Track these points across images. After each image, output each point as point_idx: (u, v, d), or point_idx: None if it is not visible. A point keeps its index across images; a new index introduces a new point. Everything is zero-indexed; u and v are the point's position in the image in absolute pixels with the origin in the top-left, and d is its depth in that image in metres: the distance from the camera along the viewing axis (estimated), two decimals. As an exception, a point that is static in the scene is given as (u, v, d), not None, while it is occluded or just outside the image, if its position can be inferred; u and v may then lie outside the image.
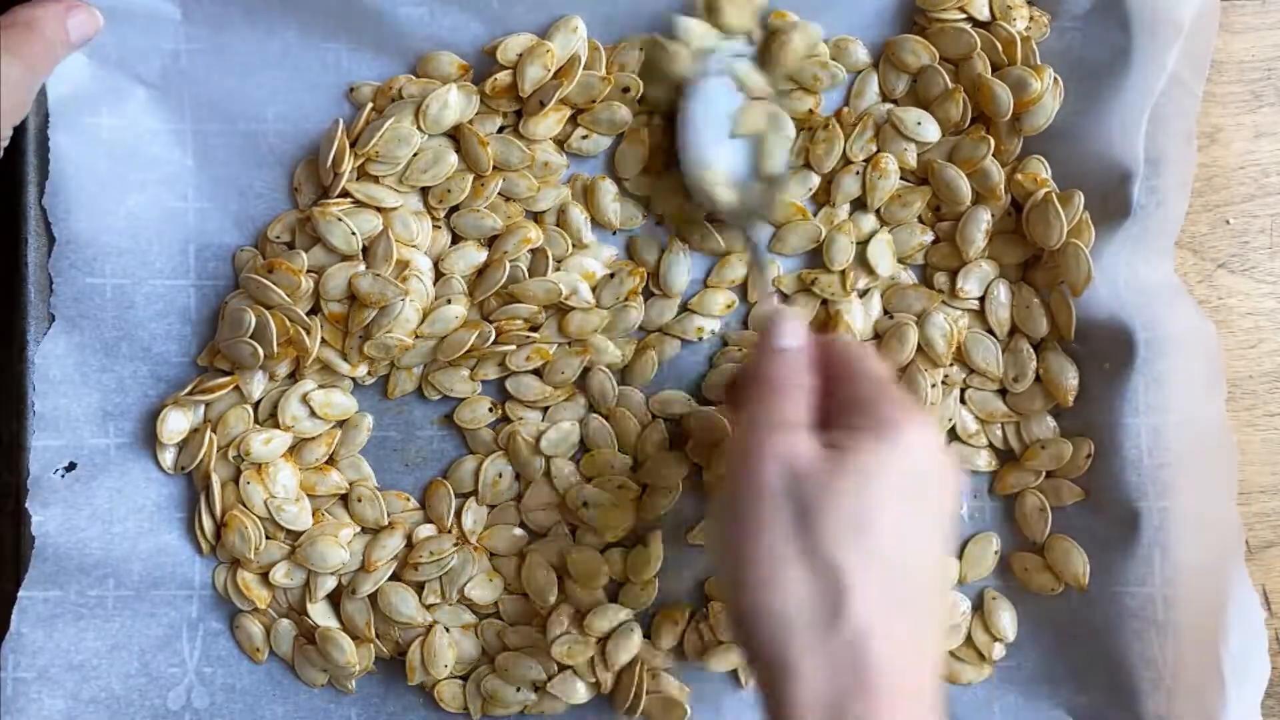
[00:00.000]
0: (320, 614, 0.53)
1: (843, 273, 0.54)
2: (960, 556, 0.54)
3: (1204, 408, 0.52)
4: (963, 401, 0.54)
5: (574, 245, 0.54)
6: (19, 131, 0.51)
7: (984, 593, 0.54)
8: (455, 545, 0.53)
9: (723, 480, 0.43)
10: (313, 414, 0.53)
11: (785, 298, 0.55)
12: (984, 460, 0.54)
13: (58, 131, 0.51)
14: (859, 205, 0.55)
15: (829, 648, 0.37)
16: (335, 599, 0.54)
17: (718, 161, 0.51)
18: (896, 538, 0.38)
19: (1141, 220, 0.52)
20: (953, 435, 0.54)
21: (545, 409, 0.54)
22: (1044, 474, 0.54)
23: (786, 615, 0.37)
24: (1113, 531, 0.52)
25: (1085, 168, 0.52)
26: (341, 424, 0.54)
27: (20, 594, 0.51)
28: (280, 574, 0.53)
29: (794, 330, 0.44)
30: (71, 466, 0.52)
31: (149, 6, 0.52)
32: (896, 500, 0.39)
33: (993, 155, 0.53)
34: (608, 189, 0.54)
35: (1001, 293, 0.54)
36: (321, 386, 0.53)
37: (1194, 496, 0.51)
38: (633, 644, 0.53)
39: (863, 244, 0.54)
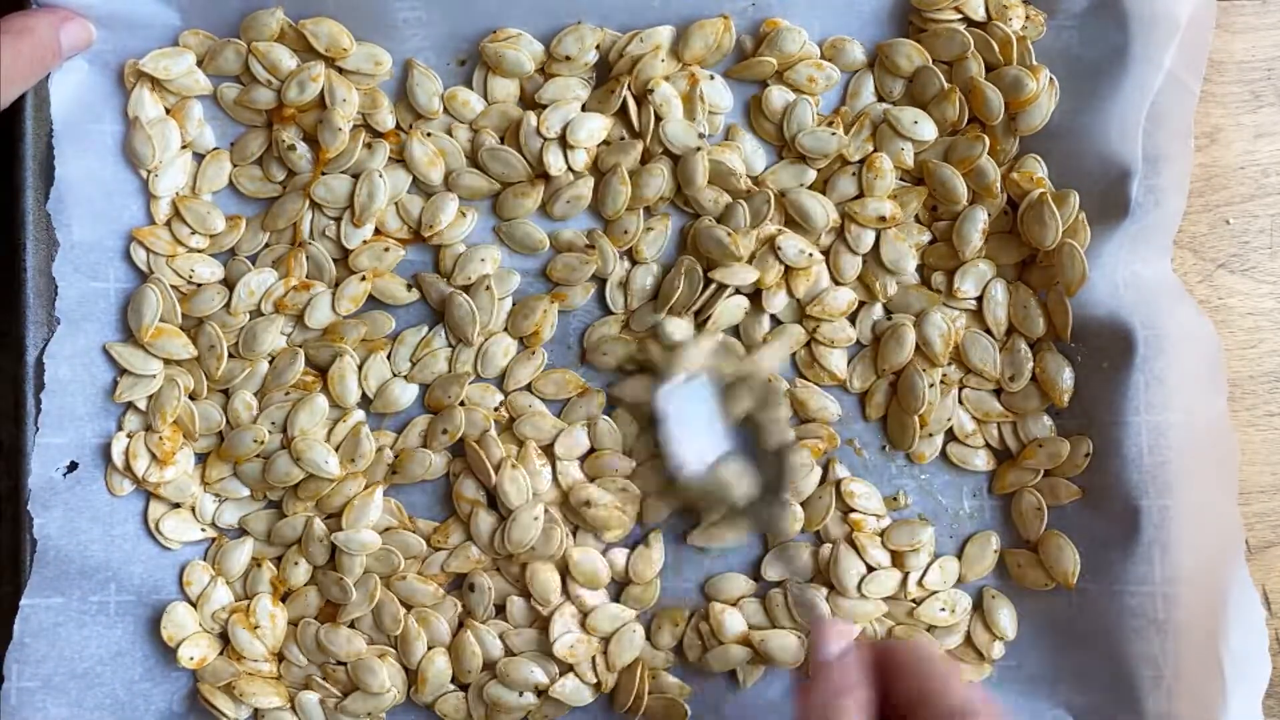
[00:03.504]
0: (343, 639, 0.53)
1: (839, 273, 0.54)
2: (960, 556, 0.54)
3: (1205, 406, 0.52)
4: (960, 401, 0.54)
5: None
6: (18, 138, 0.51)
7: (984, 591, 0.54)
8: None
9: None
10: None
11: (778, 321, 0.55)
12: (982, 460, 0.54)
13: (62, 137, 0.51)
14: (856, 205, 0.55)
15: None
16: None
17: (703, 457, 0.52)
18: None
19: (1140, 219, 0.51)
20: (950, 435, 0.54)
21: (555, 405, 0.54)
22: (1042, 473, 0.54)
23: None
24: (1113, 530, 0.52)
25: (1083, 166, 0.52)
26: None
27: (23, 602, 0.51)
28: (294, 653, 0.54)
29: (838, 637, 0.43)
30: (74, 466, 0.52)
31: (149, 12, 0.52)
32: None
33: (988, 154, 0.53)
34: None
35: (998, 292, 0.54)
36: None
37: (1195, 495, 0.51)
38: (635, 644, 0.53)
39: (859, 244, 0.54)
